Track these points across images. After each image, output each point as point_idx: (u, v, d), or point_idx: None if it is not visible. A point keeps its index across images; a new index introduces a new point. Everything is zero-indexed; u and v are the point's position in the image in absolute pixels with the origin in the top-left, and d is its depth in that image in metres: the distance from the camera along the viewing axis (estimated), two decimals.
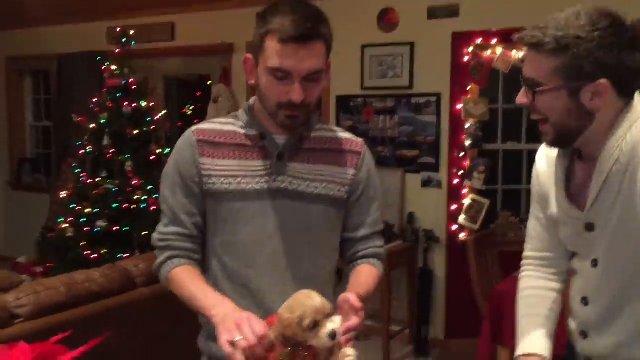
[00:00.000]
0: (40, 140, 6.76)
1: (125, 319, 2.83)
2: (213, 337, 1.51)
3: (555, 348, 1.49)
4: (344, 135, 1.63)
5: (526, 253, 1.61)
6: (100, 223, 4.59)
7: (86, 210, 4.66)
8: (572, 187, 1.42)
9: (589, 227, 1.38)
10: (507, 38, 4.01)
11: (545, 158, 1.50)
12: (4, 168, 6.70)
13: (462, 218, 4.21)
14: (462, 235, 4.22)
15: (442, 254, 4.33)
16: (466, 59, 4.13)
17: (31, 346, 0.86)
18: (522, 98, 1.34)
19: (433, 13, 4.24)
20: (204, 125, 1.58)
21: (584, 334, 1.47)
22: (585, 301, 1.45)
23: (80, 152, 4.82)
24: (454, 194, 4.27)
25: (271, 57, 1.41)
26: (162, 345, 2.89)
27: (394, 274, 4.29)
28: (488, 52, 4.06)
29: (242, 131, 1.55)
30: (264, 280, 1.52)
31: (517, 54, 3.97)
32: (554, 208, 1.46)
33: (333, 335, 1.20)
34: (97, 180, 4.69)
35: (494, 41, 4.04)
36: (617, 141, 1.29)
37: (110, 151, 4.69)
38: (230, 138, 1.54)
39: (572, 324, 1.52)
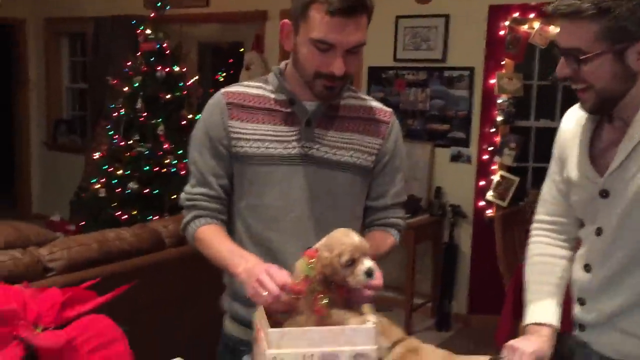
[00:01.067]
0: (76, 101, 6.88)
1: (153, 277, 2.91)
2: (237, 297, 1.56)
3: (563, 324, 1.48)
4: (373, 103, 1.63)
5: (538, 217, 1.59)
6: (132, 185, 4.68)
7: (118, 172, 4.75)
8: (595, 149, 1.41)
9: (604, 194, 1.36)
10: (545, 12, 3.92)
11: (574, 119, 1.48)
12: (41, 128, 6.86)
13: (490, 194, 4.19)
14: (489, 212, 4.20)
15: (468, 229, 4.32)
16: (502, 33, 4.06)
17: (62, 290, 0.90)
18: (563, 69, 1.31)
19: None
20: (233, 88, 1.59)
21: (582, 301, 1.47)
22: (587, 268, 1.44)
23: (114, 114, 4.90)
24: (483, 170, 4.24)
25: (316, 28, 1.40)
26: (188, 304, 2.97)
27: (419, 248, 4.30)
28: (525, 27, 3.98)
29: (272, 95, 1.55)
30: (287, 244, 1.54)
31: (555, 29, 3.89)
32: (572, 170, 1.44)
33: (370, 272, 1.24)
34: (129, 143, 4.77)
35: (531, 15, 3.95)
36: None
37: (143, 115, 4.75)
38: (259, 102, 1.55)
39: (572, 292, 1.52)
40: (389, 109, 1.64)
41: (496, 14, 4.08)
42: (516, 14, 4.01)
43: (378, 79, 4.61)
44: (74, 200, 5.47)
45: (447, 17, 4.27)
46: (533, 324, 1.45)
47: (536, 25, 3.94)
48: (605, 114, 1.39)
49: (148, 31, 4.83)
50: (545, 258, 1.54)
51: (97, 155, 5.01)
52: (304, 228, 1.54)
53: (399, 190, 1.65)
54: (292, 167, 1.53)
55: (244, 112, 1.54)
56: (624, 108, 1.33)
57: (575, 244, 1.56)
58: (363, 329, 1.26)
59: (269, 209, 1.55)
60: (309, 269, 1.25)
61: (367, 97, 1.65)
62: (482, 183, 4.24)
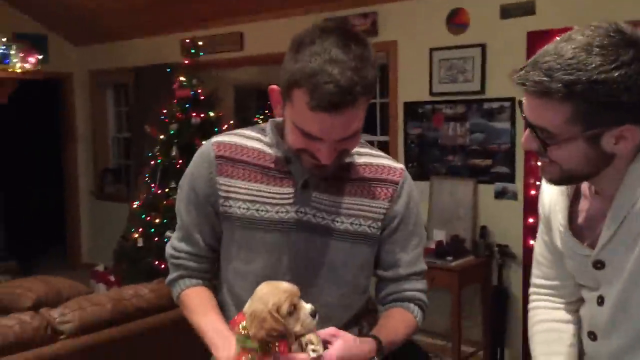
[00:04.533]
0: (122, 150, 6.99)
1: (171, 335, 2.77)
2: None
3: None
4: (381, 161, 1.43)
5: (534, 280, 1.41)
6: (169, 233, 4.61)
7: (156, 221, 4.71)
8: (578, 219, 1.22)
9: (598, 265, 1.18)
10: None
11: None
12: (89, 178, 6.98)
13: None
14: None
15: (518, 270, 4.00)
16: None
17: None
18: (529, 143, 1.13)
19: (507, 12, 3.94)
20: (226, 138, 1.43)
21: None
22: (592, 336, 1.26)
23: (151, 162, 4.89)
24: (531, 206, 3.93)
25: (298, 115, 1.21)
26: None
27: (466, 292, 4.02)
28: None
29: (269, 150, 1.39)
30: None
31: None
32: (557, 239, 1.26)
33: (314, 313, 1.16)
34: (166, 190, 4.74)
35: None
36: (638, 176, 1.08)
37: (179, 162, 4.72)
38: (253, 157, 1.39)
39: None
40: (400, 166, 1.44)
41: (536, 40, 3.82)
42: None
43: (414, 114, 4.40)
44: (117, 249, 5.47)
45: (483, 46, 4.04)
46: None
47: None
48: (570, 185, 1.21)
49: (182, 78, 4.84)
50: (551, 324, 1.36)
51: (135, 204, 4.99)
52: None
53: (414, 257, 1.44)
54: (284, 233, 1.36)
55: (235, 168, 1.38)
56: (599, 181, 1.14)
57: (579, 305, 1.36)
58: None
59: (257, 277, 1.37)
60: (244, 339, 1.13)
61: (377, 152, 1.46)
62: (530, 220, 3.93)
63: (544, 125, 1.07)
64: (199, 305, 1.42)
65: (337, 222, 1.35)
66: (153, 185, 4.82)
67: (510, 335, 4.03)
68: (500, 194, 4.06)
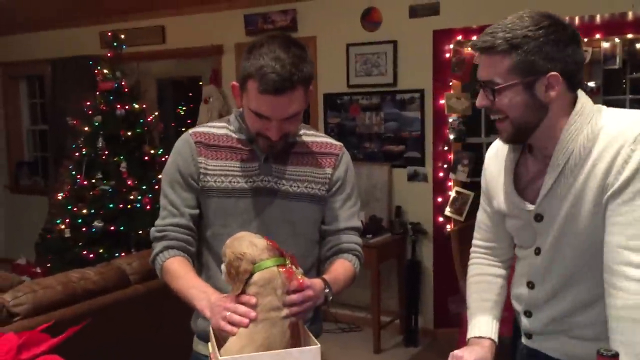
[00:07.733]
0: (37, 143, 6.87)
1: (120, 314, 2.96)
2: (205, 317, 1.63)
3: (503, 329, 1.62)
4: (324, 139, 1.78)
5: (475, 242, 1.74)
6: (97, 223, 4.70)
7: (83, 211, 4.77)
8: (521, 182, 1.53)
9: (538, 218, 1.48)
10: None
11: (495, 154, 1.62)
12: (3, 172, 6.82)
13: (447, 210, 4.32)
14: (448, 227, 4.33)
15: (429, 245, 4.45)
16: (447, 55, 4.24)
17: (17, 335, 0.97)
18: (482, 100, 1.44)
19: (415, 11, 4.35)
20: (200, 129, 1.73)
21: (528, 314, 1.60)
22: (531, 285, 1.57)
23: (76, 154, 4.94)
24: (440, 187, 4.39)
25: (252, 100, 1.52)
26: (155, 337, 3.01)
27: (383, 267, 4.41)
28: (469, 49, 4.17)
29: (234, 135, 1.70)
30: None
31: None
32: (501, 202, 1.56)
33: None
34: (92, 181, 4.81)
35: (474, 37, 4.14)
36: (570, 135, 1.39)
37: (105, 153, 4.80)
38: (223, 141, 1.69)
39: (517, 306, 1.65)
40: (339, 143, 1.79)
41: (440, 37, 4.26)
42: (459, 37, 4.19)
43: (333, 105, 4.75)
44: (39, 242, 5.45)
45: (394, 42, 4.44)
46: (475, 337, 1.58)
47: None
48: (521, 143, 1.51)
49: (105, 70, 4.91)
50: (484, 277, 1.68)
51: (60, 195, 5.02)
52: None
53: (350, 214, 1.76)
54: (253, 199, 1.66)
55: (210, 150, 1.68)
56: (540, 138, 1.45)
57: (510, 263, 1.69)
58: (309, 350, 1.35)
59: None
60: (278, 259, 1.40)
61: (320, 134, 1.79)
62: (439, 200, 4.38)
63: (490, 77, 1.39)
64: (178, 271, 1.64)
65: (294, 186, 1.68)
66: (79, 176, 4.87)
67: (423, 303, 4.48)
68: (412, 177, 4.49)
